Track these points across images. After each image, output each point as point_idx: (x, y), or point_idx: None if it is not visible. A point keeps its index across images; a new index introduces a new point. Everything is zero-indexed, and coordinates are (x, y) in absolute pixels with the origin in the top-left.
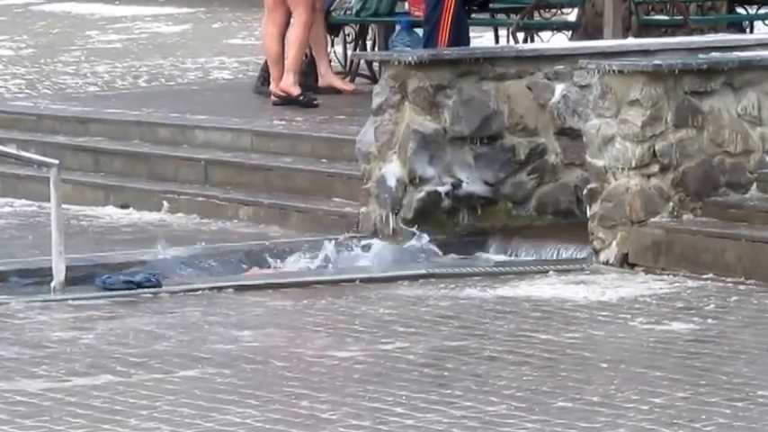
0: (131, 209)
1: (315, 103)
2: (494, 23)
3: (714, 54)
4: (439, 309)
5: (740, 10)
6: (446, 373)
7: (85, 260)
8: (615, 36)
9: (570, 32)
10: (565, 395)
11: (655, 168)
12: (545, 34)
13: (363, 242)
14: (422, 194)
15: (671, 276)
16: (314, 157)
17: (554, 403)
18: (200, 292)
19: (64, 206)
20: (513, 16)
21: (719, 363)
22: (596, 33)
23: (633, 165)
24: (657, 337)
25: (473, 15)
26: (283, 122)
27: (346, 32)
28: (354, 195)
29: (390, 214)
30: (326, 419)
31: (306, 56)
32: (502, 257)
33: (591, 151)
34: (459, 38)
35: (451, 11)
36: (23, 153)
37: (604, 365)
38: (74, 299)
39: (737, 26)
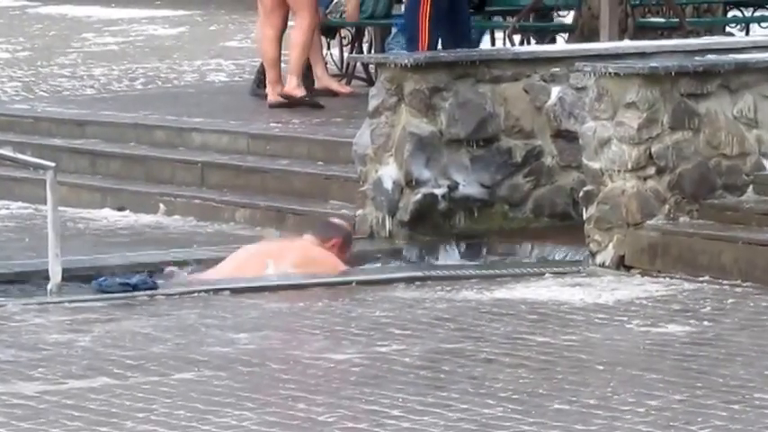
0: (128, 211)
1: (321, 104)
2: (490, 26)
3: (710, 56)
4: (435, 311)
5: (736, 12)
6: (442, 376)
7: (82, 262)
8: (611, 38)
9: (567, 35)
10: (561, 398)
11: (651, 171)
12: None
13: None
14: (418, 197)
15: (667, 279)
16: (310, 160)
17: (550, 406)
18: (196, 294)
19: (60, 208)
20: (509, 19)
21: (716, 365)
22: (592, 36)
23: (629, 167)
24: (654, 340)
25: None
26: (280, 125)
27: (342, 35)
28: (351, 198)
29: (387, 217)
30: (323, 422)
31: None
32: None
33: (587, 154)
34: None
35: (428, 14)
36: (20, 155)
37: (601, 368)
38: (70, 301)
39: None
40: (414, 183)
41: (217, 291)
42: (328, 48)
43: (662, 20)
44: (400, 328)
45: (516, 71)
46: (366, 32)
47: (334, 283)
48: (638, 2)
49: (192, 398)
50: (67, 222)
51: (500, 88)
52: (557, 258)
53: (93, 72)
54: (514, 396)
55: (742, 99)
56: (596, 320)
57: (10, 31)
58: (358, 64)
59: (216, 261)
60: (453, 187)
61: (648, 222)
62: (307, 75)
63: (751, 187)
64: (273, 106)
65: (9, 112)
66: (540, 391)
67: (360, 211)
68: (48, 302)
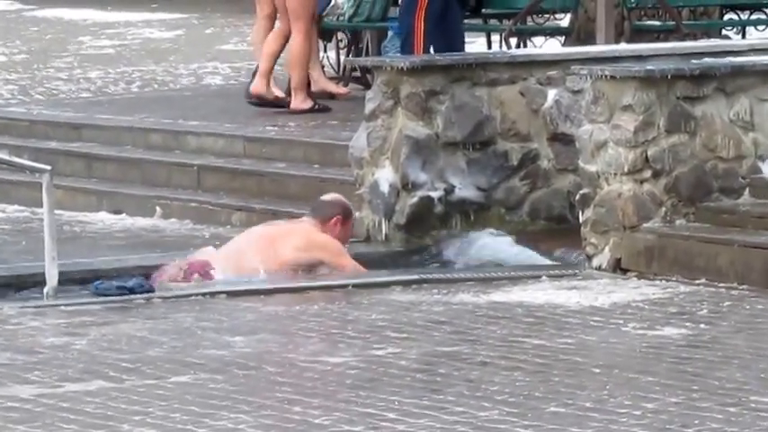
0: (124, 214)
1: (328, 107)
2: (486, 29)
3: (707, 59)
4: (432, 314)
5: (732, 15)
6: (439, 379)
7: (78, 266)
8: (608, 41)
9: (563, 38)
10: (557, 400)
11: (647, 174)
12: (538, 40)
13: None
14: (414, 200)
15: (663, 281)
16: (306, 163)
17: (546, 408)
18: (192, 297)
19: (57, 212)
20: (505, 22)
21: (712, 368)
22: (589, 39)
23: (626, 170)
24: (650, 343)
25: (465, 21)
26: (276, 128)
27: (339, 38)
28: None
29: (383, 220)
30: (319, 425)
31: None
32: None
33: (583, 157)
34: (453, 44)
35: (423, 18)
36: (16, 159)
37: (597, 371)
38: (66, 304)
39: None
40: (410, 186)
41: (213, 294)
42: (325, 51)
43: (658, 23)
44: (396, 331)
45: (512, 74)
46: (362, 35)
47: (331, 287)
48: (634, 5)
49: (188, 401)
50: (64, 226)
51: (496, 91)
52: (553, 261)
53: (90, 75)
54: (510, 399)
55: (738, 102)
56: (592, 323)
57: (6, 34)
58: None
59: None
60: (450, 190)
61: (645, 225)
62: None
63: (747, 190)
64: (254, 104)
65: (5, 115)
66: (537, 393)
67: (356, 214)
68: (44, 305)
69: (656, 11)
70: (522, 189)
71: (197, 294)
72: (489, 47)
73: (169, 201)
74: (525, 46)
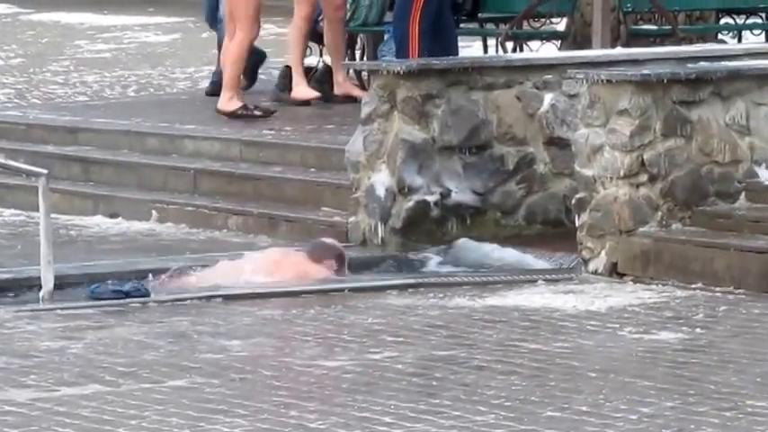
0: (120, 218)
1: (257, 114)
2: (482, 33)
3: (702, 64)
4: (428, 318)
5: (728, 20)
6: (435, 383)
7: (74, 270)
8: (604, 46)
9: (559, 42)
10: (553, 405)
11: (643, 178)
12: (534, 44)
13: None
14: (411, 204)
15: (660, 286)
16: (303, 167)
17: (543, 413)
18: (188, 301)
19: (53, 216)
20: (501, 26)
21: (708, 372)
22: (585, 43)
23: (622, 174)
24: (646, 347)
25: (461, 25)
26: (272, 132)
27: None
28: (343, 205)
29: (379, 224)
30: (315, 429)
31: (322, 63)
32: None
33: (579, 161)
34: (447, 48)
35: (418, 23)
36: (12, 162)
37: (593, 375)
38: (62, 308)
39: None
40: (406, 190)
41: (209, 298)
42: (320, 54)
43: (654, 27)
44: (392, 335)
45: (509, 78)
46: (359, 39)
47: (327, 291)
48: (630, 9)
49: (184, 405)
50: (60, 229)
51: (492, 95)
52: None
53: (86, 79)
54: (507, 403)
55: (734, 106)
56: (589, 327)
57: (2, 38)
58: (351, 71)
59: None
60: (446, 194)
61: (641, 229)
62: (326, 80)
63: (743, 194)
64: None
65: (1, 118)
66: (533, 398)
67: (352, 219)
68: (40, 309)
69: (653, 15)
70: (519, 193)
71: (193, 298)
72: (485, 51)
73: (165, 205)
74: (521, 50)
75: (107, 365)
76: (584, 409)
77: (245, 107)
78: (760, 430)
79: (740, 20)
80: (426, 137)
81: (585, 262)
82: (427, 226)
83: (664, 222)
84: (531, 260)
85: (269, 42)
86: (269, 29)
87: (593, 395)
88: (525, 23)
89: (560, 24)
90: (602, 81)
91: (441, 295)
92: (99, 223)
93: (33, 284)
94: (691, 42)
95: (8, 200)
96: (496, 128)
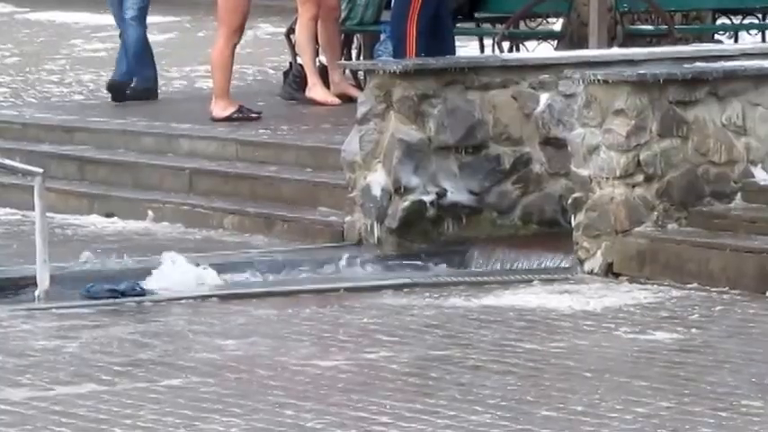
0: (116, 218)
1: (252, 115)
2: (479, 33)
3: (699, 64)
4: (423, 318)
5: (724, 20)
6: (430, 383)
7: (70, 269)
8: (600, 46)
9: (556, 42)
10: (549, 404)
11: (639, 178)
12: (530, 44)
13: None
14: (407, 204)
15: (655, 286)
16: (299, 167)
17: (538, 413)
18: (184, 300)
19: (48, 215)
20: (498, 26)
21: (703, 372)
22: (581, 43)
23: (618, 174)
24: (641, 347)
25: (458, 25)
26: (268, 131)
27: None
28: (339, 204)
29: (375, 223)
30: (311, 429)
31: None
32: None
33: (576, 161)
34: (444, 48)
35: (416, 21)
36: (8, 162)
37: (588, 375)
38: (58, 307)
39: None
40: (402, 190)
41: (204, 297)
42: (317, 54)
43: (651, 27)
44: (388, 335)
45: (505, 78)
46: (355, 39)
47: (323, 290)
48: (627, 9)
49: (179, 404)
50: (55, 229)
51: (489, 95)
52: (545, 265)
53: (82, 78)
54: (502, 403)
55: (730, 106)
56: (584, 327)
57: None
58: (347, 71)
59: None
60: (442, 194)
61: (637, 230)
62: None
63: (739, 195)
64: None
65: None
66: (528, 397)
67: (348, 218)
68: (35, 308)
69: (649, 15)
70: (515, 193)
71: (189, 297)
72: (482, 51)
73: (161, 204)
74: (518, 50)
75: (102, 364)
76: (579, 408)
77: (239, 110)
78: (755, 430)
79: (736, 20)
80: (422, 137)
81: (581, 262)
82: (423, 226)
83: (660, 222)
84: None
85: (265, 42)
86: (264, 28)
87: (589, 395)
88: (522, 23)
89: (557, 24)
90: (599, 81)
91: (436, 295)
92: (95, 222)
93: (29, 284)
94: (687, 42)
95: (4, 199)
96: (493, 128)
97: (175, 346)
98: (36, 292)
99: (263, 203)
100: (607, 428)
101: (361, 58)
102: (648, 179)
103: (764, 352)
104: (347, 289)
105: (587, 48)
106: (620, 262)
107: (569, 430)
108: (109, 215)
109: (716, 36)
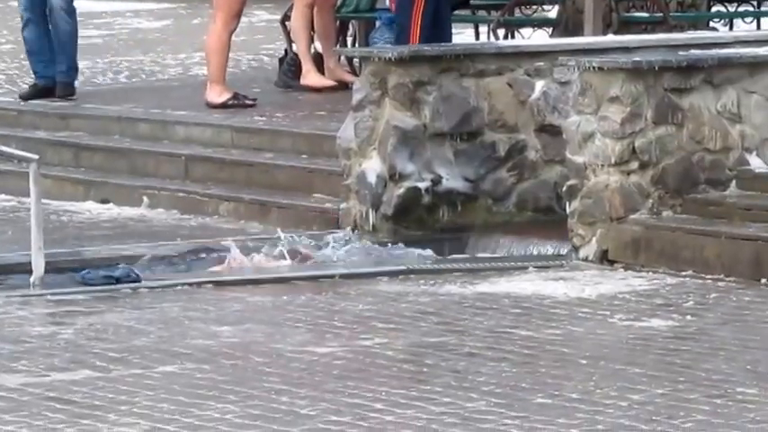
0: (111, 204)
1: (248, 102)
2: (474, 20)
3: (694, 51)
4: (419, 305)
5: (720, 7)
6: (425, 369)
7: (65, 255)
8: (595, 33)
9: (551, 29)
10: (544, 391)
11: (634, 165)
12: (525, 31)
13: None
14: (402, 191)
15: (650, 273)
16: (294, 153)
17: (533, 399)
18: (179, 287)
19: (44, 201)
20: (493, 13)
21: (698, 359)
22: (576, 30)
23: (613, 161)
24: (636, 334)
25: (454, 12)
26: (264, 118)
27: None
28: (335, 191)
29: (370, 210)
30: (306, 415)
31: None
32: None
33: (571, 148)
34: (441, 35)
35: (422, 9)
36: (3, 148)
37: (583, 362)
38: (53, 294)
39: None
40: (397, 176)
41: (200, 284)
42: (312, 41)
43: (646, 15)
44: (383, 322)
45: (500, 65)
46: (350, 26)
47: (318, 277)
48: None
49: (174, 390)
50: (51, 215)
51: (484, 82)
52: (540, 253)
53: (78, 65)
54: (497, 390)
55: (725, 94)
56: (579, 314)
57: None
58: (342, 57)
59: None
60: (437, 181)
61: (632, 217)
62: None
63: (734, 182)
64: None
65: None
66: (523, 384)
67: (343, 205)
68: (30, 295)
69: (644, 3)
70: (510, 180)
71: (183, 284)
72: (477, 38)
73: (157, 191)
74: (513, 37)
75: (98, 351)
76: (574, 395)
77: (235, 96)
78: (750, 417)
79: (731, 7)
80: (418, 123)
81: (576, 249)
82: (418, 213)
83: (654, 210)
84: None
85: (260, 29)
86: (260, 15)
87: (584, 382)
88: (517, 10)
89: (552, 11)
90: (594, 68)
91: (431, 282)
92: (90, 209)
93: (24, 270)
94: (682, 30)
95: None
96: (488, 115)
97: (171, 332)
98: (31, 279)
99: (258, 190)
100: (602, 415)
101: (357, 45)
102: (643, 166)
103: (759, 339)
104: (342, 276)
105: (582, 35)
106: (615, 249)
107: (564, 417)
108: (104, 202)
109: (711, 23)
